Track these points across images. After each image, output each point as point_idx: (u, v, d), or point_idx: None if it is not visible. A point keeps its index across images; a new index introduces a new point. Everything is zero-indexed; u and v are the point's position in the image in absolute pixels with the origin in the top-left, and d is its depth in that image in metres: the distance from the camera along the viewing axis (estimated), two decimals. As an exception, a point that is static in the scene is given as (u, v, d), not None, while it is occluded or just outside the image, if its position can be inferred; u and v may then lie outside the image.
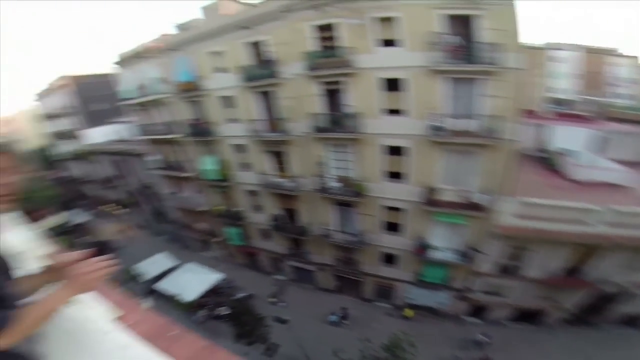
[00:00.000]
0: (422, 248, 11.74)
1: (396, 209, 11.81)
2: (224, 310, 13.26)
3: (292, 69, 11.12)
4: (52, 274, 1.01)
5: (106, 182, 23.31)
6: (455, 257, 11.41)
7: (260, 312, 11.93)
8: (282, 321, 12.87)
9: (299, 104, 11.56)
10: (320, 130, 11.29)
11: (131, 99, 16.88)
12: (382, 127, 10.52)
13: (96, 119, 22.91)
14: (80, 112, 23.30)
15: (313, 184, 12.49)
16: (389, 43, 9.58)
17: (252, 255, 17.74)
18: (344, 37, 9.96)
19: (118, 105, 19.43)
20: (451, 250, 11.42)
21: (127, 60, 16.49)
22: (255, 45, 11.82)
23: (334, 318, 13.61)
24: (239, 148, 14.26)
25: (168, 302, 14.26)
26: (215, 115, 14.21)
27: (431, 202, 10.70)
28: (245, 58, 12.14)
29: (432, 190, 10.65)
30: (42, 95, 27.28)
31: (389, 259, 13.17)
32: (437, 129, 9.67)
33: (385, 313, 13.99)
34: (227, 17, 12.30)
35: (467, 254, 11.18)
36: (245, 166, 14.58)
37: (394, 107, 10.24)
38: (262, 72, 11.79)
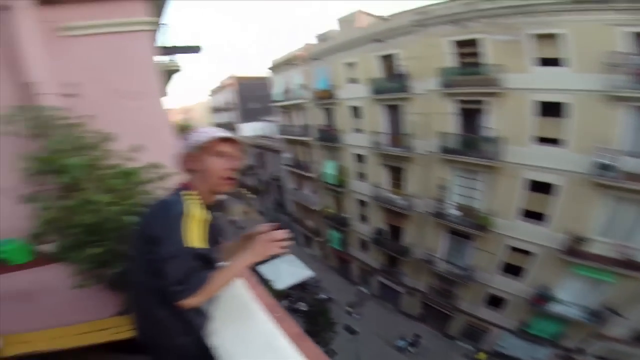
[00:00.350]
0: (542, 298, 10.73)
1: (524, 252, 11.08)
2: (302, 306, 15.17)
3: (424, 84, 11.96)
4: (243, 242, 1.31)
5: (246, 170, 30.24)
6: (582, 315, 9.99)
7: (333, 317, 13.46)
8: (351, 331, 14.13)
9: (427, 121, 12.29)
10: (448, 151, 11.69)
11: (279, 101, 21.39)
12: (530, 158, 10.03)
13: (250, 115, 29.81)
14: (239, 109, 30.84)
15: (428, 206, 13.01)
16: (549, 62, 9.11)
17: (345, 262, 19.55)
18: (490, 54, 10.05)
19: (268, 105, 24.87)
20: (579, 307, 9.98)
21: (279, 66, 20.99)
22: (387, 58, 13.23)
23: (401, 343, 14.00)
24: (359, 158, 16.18)
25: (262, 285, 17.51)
26: (343, 123, 16.58)
27: (574, 252, 9.61)
28: (376, 70, 13.75)
29: (579, 239, 9.49)
30: (214, 92, 37.33)
31: (495, 301, 12.55)
32: (606, 168, 8.57)
33: (460, 353, 13.51)
34: (361, 30, 14.17)
35: (600, 314, 9.63)
36: (362, 176, 16.38)
37: (548, 135, 9.63)
38: (391, 86, 13.11)
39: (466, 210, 11.95)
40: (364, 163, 15.99)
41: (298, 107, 19.82)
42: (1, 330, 2.76)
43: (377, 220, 16.20)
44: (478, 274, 12.32)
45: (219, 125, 35.80)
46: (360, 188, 16.62)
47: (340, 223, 18.47)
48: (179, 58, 5.25)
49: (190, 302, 0.98)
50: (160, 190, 2.74)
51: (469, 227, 11.81)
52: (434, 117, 12.06)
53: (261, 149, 26.06)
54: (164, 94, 3.31)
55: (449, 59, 11.07)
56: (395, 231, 15.40)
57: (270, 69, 22.42)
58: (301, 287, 17.09)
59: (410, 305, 16.07)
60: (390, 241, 15.58)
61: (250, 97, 30.68)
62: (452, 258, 13.22)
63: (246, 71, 31.86)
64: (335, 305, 16.47)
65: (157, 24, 3.15)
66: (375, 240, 16.23)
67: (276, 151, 23.76)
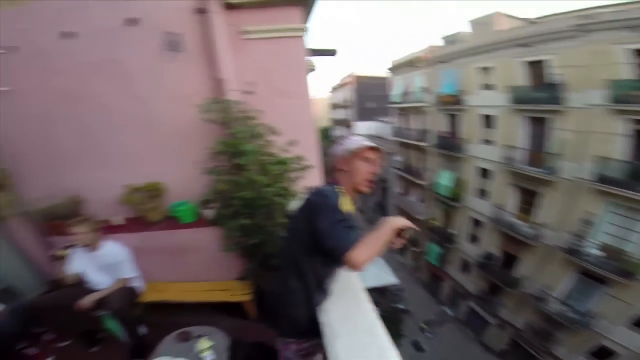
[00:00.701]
0: None
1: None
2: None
3: (585, 97, 9.89)
4: None
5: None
6: None
7: (404, 330, 12.73)
8: (418, 348, 13.33)
9: (584, 141, 10.16)
10: (607, 181, 9.46)
11: (396, 102, 21.06)
12: None
13: (365, 114, 30.29)
14: (356, 107, 31.66)
15: (560, 240, 10.93)
16: None
17: (437, 279, 18.32)
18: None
19: (384, 105, 24.78)
20: None
21: (399, 67, 20.57)
22: (534, 64, 11.39)
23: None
24: (484, 172, 14.55)
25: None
26: (468, 132, 15.16)
27: None
28: (518, 77, 12.02)
29: None
30: (334, 88, 39.23)
31: (602, 353, 10.13)
32: None
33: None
34: (501, 33, 12.49)
35: None
36: (483, 193, 14.75)
37: None
38: (539, 96, 11.27)
39: (612, 252, 9.60)
40: (489, 179, 14.33)
41: (417, 110, 19.08)
42: (150, 278, 3.38)
43: (490, 244, 14.50)
44: (598, 322, 10.08)
45: (336, 121, 37.65)
46: (477, 206, 15.07)
47: (444, 238, 17.20)
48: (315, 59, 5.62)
49: (355, 255, 1.09)
50: (301, 178, 3.10)
51: (609, 271, 9.55)
52: (593, 136, 9.87)
53: (372, 148, 26.24)
54: (311, 93, 3.62)
55: (623, 70, 8.82)
56: (509, 259, 13.63)
57: (389, 69, 22.15)
58: (381, 292, 16.65)
59: (495, 339, 14.35)
60: (498, 268, 13.93)
61: (368, 96, 31.08)
62: (572, 300, 11.06)
63: (366, 70, 32.24)
64: (410, 318, 15.90)
65: (307, 30, 3.40)
66: (481, 263, 14.67)
67: (387, 153, 23.53)
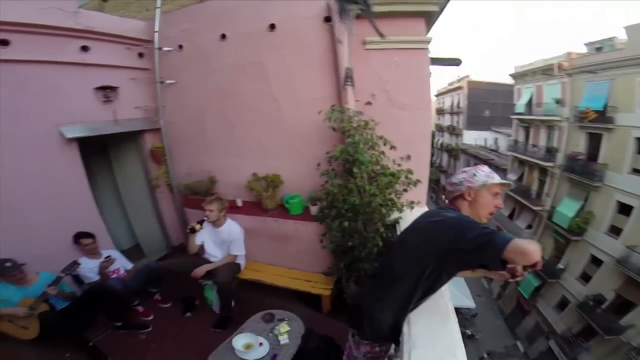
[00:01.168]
0: None
1: None
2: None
3: None
4: None
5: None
6: None
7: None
8: None
9: None
10: None
11: (519, 113, 18.54)
12: None
13: (476, 122, 27.62)
14: (466, 114, 29.10)
15: None
16: None
17: (521, 311, 16.28)
18: None
19: (501, 115, 22.12)
20: None
21: (525, 74, 17.92)
22: None
23: None
24: (624, 208, 11.82)
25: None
26: (613, 157, 12.40)
27: None
28: None
29: None
30: (441, 92, 36.73)
31: None
32: None
33: None
34: None
35: None
36: (615, 230, 12.11)
37: None
38: None
39: None
40: (629, 216, 11.57)
41: (543, 124, 16.43)
42: (251, 258, 3.81)
43: (605, 286, 12.10)
44: None
45: (441, 127, 35.34)
46: (603, 243, 12.46)
47: (548, 271, 14.66)
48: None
49: (518, 243, 1.08)
50: (407, 191, 3.05)
51: None
52: None
53: (480, 161, 23.76)
54: (431, 106, 3.50)
55: None
56: (622, 305, 11.41)
57: (513, 76, 19.50)
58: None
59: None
60: (603, 312, 11.77)
61: (481, 103, 28.13)
62: None
63: (480, 75, 29.08)
64: (474, 345, 14.52)
65: (431, 42, 3.28)
66: (583, 304, 12.56)
67: (497, 167, 21.01)
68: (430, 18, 3.32)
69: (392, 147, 2.95)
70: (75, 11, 3.26)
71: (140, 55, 4.07)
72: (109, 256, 3.25)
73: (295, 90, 3.68)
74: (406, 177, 2.99)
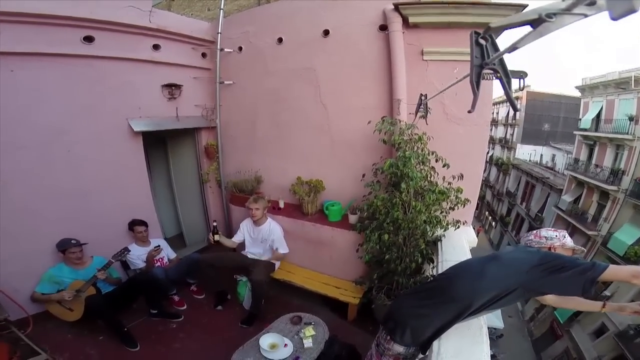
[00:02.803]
0: None
1: None
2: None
3: None
4: None
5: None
6: None
7: None
8: None
9: None
10: None
11: (584, 129, 16.92)
12: None
13: (532, 136, 25.67)
14: (520, 126, 27.14)
15: None
16: None
17: (552, 335, 15.17)
18: None
19: (556, 129, 20.33)
20: None
21: (595, 86, 16.29)
22: None
23: None
24: None
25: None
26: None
27: None
28: None
29: None
30: (495, 102, 34.48)
31: None
32: None
33: None
34: None
35: None
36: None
37: None
38: None
39: None
40: None
41: (614, 143, 14.82)
42: (285, 259, 3.86)
43: None
44: None
45: (492, 139, 33.22)
46: None
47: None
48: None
49: (615, 269, 1.38)
50: (451, 213, 2.91)
51: None
52: None
53: (532, 178, 22.06)
54: (489, 122, 3.30)
55: None
56: None
57: (580, 88, 17.76)
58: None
59: None
60: None
61: (539, 116, 26.04)
62: None
63: (539, 86, 26.84)
64: None
65: None
66: (623, 333, 11.45)
67: (551, 187, 19.37)
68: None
69: (446, 165, 2.85)
70: (150, 10, 3.52)
71: (204, 55, 4.31)
72: (158, 246, 3.40)
73: (344, 98, 3.69)
74: (455, 197, 2.85)
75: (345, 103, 3.69)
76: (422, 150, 2.88)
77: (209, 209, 4.85)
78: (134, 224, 3.44)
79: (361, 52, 3.48)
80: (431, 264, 3.00)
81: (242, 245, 3.80)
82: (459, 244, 2.91)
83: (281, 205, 4.21)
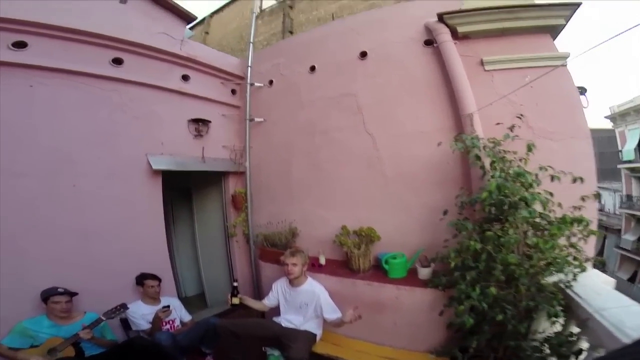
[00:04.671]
0: None
1: None
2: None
3: None
4: None
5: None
6: None
7: None
8: None
9: None
10: None
11: (627, 161, 15.60)
12: None
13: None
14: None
15: None
16: None
17: None
18: None
19: (608, 167, 18.91)
20: None
21: (626, 113, 15.49)
22: None
23: None
24: None
25: None
26: None
27: None
28: None
29: None
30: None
31: None
32: None
33: None
34: None
35: None
36: None
37: None
38: None
39: None
40: None
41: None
42: (328, 327, 2.98)
43: None
44: None
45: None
46: None
47: None
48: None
49: None
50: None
51: None
52: None
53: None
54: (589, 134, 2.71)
55: None
56: None
57: (610, 117, 16.90)
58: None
59: None
60: None
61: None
62: None
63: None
64: None
65: (568, 57, 2.69)
66: None
67: (607, 228, 17.32)
68: (555, 33, 2.86)
69: (579, 179, 2.06)
70: (182, 39, 3.38)
71: (233, 92, 4.04)
72: (168, 306, 2.84)
73: (395, 123, 3.17)
74: (584, 226, 2.04)
75: (397, 129, 3.14)
76: (519, 171, 2.13)
77: (234, 267, 4.17)
78: (143, 278, 2.93)
79: (408, 71, 3.09)
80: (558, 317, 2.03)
81: (273, 310, 3.05)
82: (599, 288, 2.03)
83: (322, 261, 3.41)
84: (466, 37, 2.93)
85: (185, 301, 3.47)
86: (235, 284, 2.87)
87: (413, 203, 3.04)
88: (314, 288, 2.87)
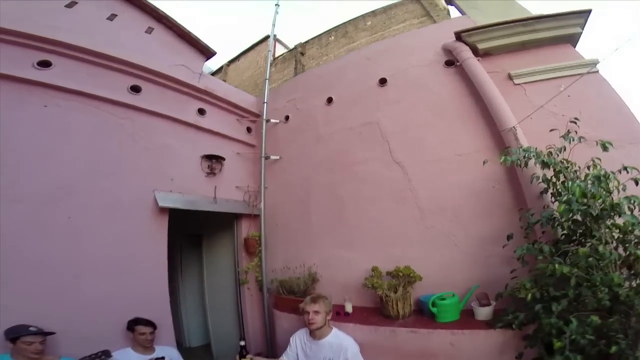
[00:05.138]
0: None
1: None
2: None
3: None
4: None
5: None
6: None
7: None
8: None
9: None
10: None
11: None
12: None
13: None
14: None
15: None
16: None
17: None
18: None
19: None
20: None
21: None
22: None
23: None
24: None
25: None
26: None
27: None
28: None
29: None
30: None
31: None
32: None
33: None
34: None
35: None
36: None
37: None
38: None
39: None
40: None
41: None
42: None
43: None
44: None
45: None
46: None
47: None
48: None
49: None
50: None
51: None
52: None
53: None
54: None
55: None
56: None
57: None
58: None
59: None
60: None
61: None
62: None
63: None
64: None
65: (598, 63, 2.63)
66: None
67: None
68: (574, 41, 2.84)
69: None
70: (201, 73, 3.35)
71: (249, 130, 3.92)
72: (162, 357, 2.46)
73: (426, 149, 2.92)
74: None
75: (429, 155, 2.88)
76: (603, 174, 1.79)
77: (245, 316, 3.65)
78: (136, 323, 2.54)
79: (433, 93, 2.96)
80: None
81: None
82: None
83: (349, 309, 2.86)
84: (488, 53, 2.89)
85: (190, 352, 3.29)
86: (242, 342, 2.36)
87: (458, 236, 2.65)
88: (342, 340, 2.31)
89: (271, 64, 3.86)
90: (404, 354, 2.44)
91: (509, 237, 2.06)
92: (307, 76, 3.78)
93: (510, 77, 2.77)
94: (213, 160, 3.39)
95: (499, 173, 2.56)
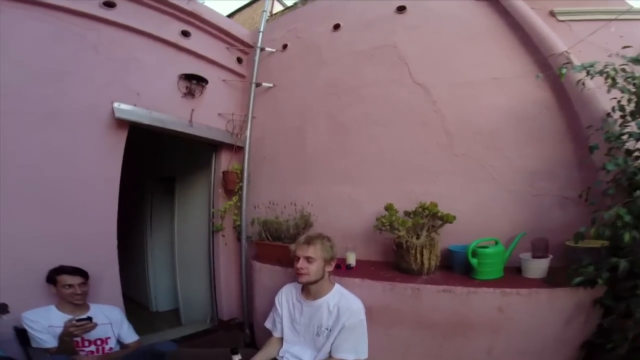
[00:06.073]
0: None
1: None
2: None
3: None
4: None
5: None
6: None
7: None
8: None
9: None
10: None
11: None
12: None
13: None
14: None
15: None
16: None
17: None
18: None
19: None
20: None
21: None
22: None
23: None
24: None
25: None
26: None
27: None
28: None
29: None
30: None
31: None
32: None
33: None
34: None
35: None
36: None
37: None
38: None
39: None
40: None
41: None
42: None
43: None
44: None
45: None
46: None
47: None
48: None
49: None
50: None
51: None
52: None
53: None
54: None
55: None
56: None
57: None
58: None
59: None
60: None
61: None
62: None
63: None
64: None
65: None
66: None
67: None
68: None
69: None
70: None
71: (239, 60, 3.39)
72: (89, 317, 1.80)
73: (454, 72, 2.40)
74: None
75: (458, 77, 2.36)
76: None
77: (218, 273, 2.97)
78: (57, 272, 1.93)
79: (461, 22, 2.49)
80: None
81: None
82: None
83: (351, 261, 2.20)
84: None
85: (157, 316, 3.03)
86: (236, 351, 1.57)
87: (496, 167, 2.11)
88: (348, 301, 1.65)
89: (267, 21, 3.39)
90: (429, 323, 1.79)
91: (588, 190, 1.54)
92: (311, 7, 3.30)
93: (552, 14, 2.41)
94: (193, 82, 2.82)
95: (547, 98, 2.09)
